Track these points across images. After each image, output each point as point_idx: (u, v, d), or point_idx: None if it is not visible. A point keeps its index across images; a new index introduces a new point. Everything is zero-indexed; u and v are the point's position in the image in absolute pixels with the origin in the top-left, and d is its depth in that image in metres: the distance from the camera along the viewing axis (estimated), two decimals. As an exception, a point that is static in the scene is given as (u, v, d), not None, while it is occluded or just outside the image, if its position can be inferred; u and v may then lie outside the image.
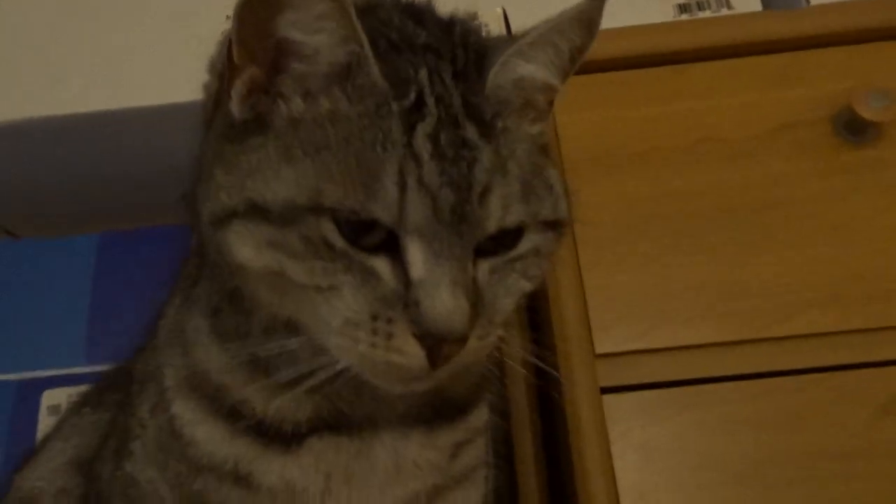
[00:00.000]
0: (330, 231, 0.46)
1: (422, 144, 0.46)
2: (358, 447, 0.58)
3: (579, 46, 0.52)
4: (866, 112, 0.75)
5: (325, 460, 0.57)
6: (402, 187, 0.45)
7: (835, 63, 0.82)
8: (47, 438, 0.78)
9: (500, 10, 0.88)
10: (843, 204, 0.77)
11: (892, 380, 0.71)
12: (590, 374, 0.72)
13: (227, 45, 0.48)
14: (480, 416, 0.64)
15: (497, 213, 0.48)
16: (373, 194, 0.45)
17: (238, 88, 0.49)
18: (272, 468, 0.57)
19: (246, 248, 0.47)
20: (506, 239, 0.50)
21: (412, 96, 0.47)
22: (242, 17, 0.46)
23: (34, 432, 0.89)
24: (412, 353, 0.46)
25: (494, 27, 0.87)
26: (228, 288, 0.52)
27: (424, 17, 0.53)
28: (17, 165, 0.95)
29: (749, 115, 0.81)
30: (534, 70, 0.52)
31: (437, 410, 0.60)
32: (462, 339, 0.46)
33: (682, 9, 0.98)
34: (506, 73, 0.51)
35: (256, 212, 0.46)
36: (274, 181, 0.46)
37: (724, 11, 0.97)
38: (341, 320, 0.46)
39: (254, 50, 0.48)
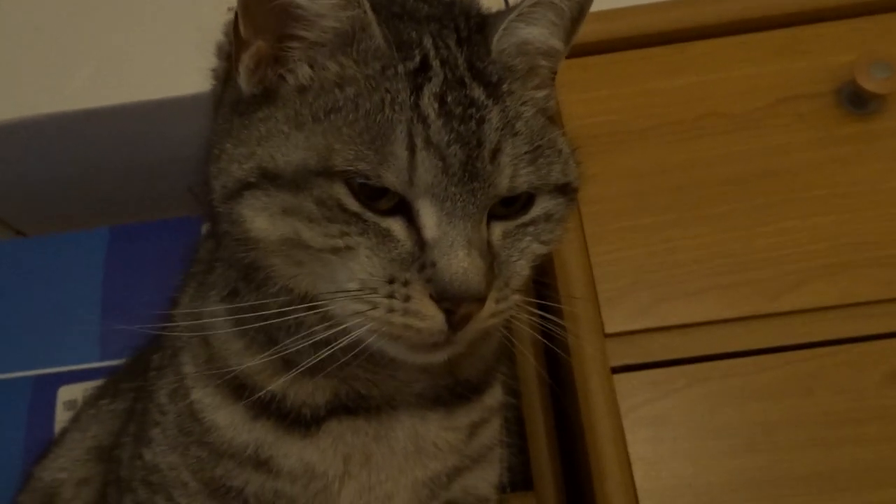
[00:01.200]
0: (343, 194, 0.46)
1: (428, 104, 0.46)
2: (376, 429, 0.58)
3: (581, 5, 0.53)
4: (869, 84, 0.75)
5: (344, 443, 0.58)
6: (412, 149, 0.45)
7: (837, 36, 0.82)
8: (65, 430, 0.78)
9: (500, -5, 0.87)
10: (846, 173, 0.77)
11: (899, 349, 0.71)
12: (600, 354, 0.72)
13: (234, 21, 0.49)
14: (495, 395, 0.65)
15: (508, 172, 0.48)
16: (383, 159, 0.45)
17: (245, 62, 0.50)
18: (291, 451, 0.57)
19: (259, 218, 0.47)
20: (517, 203, 0.50)
21: (417, 59, 0.48)
22: None
23: (51, 428, 0.89)
24: (431, 316, 0.46)
25: (496, 7, 0.86)
26: (245, 264, 0.52)
27: None
28: (25, 163, 0.95)
29: (751, 88, 0.81)
30: (537, 33, 0.53)
31: (454, 391, 0.61)
32: (480, 300, 0.46)
33: (682, -13, 0.98)
34: (509, 37, 0.52)
35: (268, 179, 0.47)
36: (285, 146, 0.47)
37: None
38: (358, 283, 0.46)
39: (259, 21, 0.49)
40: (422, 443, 0.59)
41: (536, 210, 0.51)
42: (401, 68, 0.48)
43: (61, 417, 0.89)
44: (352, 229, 0.46)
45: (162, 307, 0.66)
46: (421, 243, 0.47)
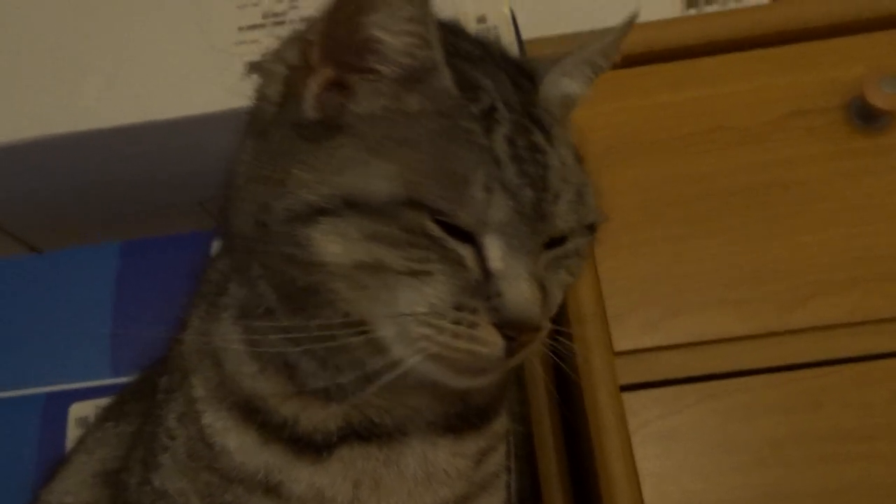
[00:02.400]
0: (428, 221, 0.47)
1: (501, 147, 0.49)
2: (387, 455, 0.58)
3: (612, 63, 0.59)
4: (878, 100, 0.75)
5: (355, 468, 0.57)
6: (488, 190, 0.48)
7: (845, 52, 0.82)
8: (71, 453, 0.78)
9: (507, 11, 0.88)
10: (857, 187, 0.77)
11: (911, 366, 0.71)
12: (609, 373, 0.72)
13: (302, 46, 0.50)
14: (502, 422, 0.65)
15: (563, 214, 0.51)
16: (461, 198, 0.47)
17: (312, 88, 0.51)
18: (302, 477, 0.57)
19: (333, 244, 0.48)
20: (557, 238, 0.53)
21: (484, 102, 0.50)
22: (333, 15, 0.49)
23: (63, 445, 0.90)
24: (493, 343, 0.48)
25: (503, 28, 0.87)
26: (299, 286, 0.51)
27: (464, 33, 0.57)
28: (35, 179, 0.96)
29: (761, 102, 0.81)
30: (576, 87, 0.58)
31: (464, 418, 0.61)
32: (538, 329, 0.49)
33: (690, 3, 0.99)
34: (553, 88, 0.56)
35: (350, 206, 0.47)
36: (367, 176, 0.48)
37: (732, 4, 0.98)
38: (427, 307, 0.48)
39: (334, 50, 0.50)
40: (432, 469, 0.59)
41: (570, 245, 0.53)
42: (472, 109, 0.50)
43: (73, 434, 0.89)
44: (432, 255, 0.47)
45: (170, 328, 0.66)
46: (486, 273, 0.48)
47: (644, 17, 0.87)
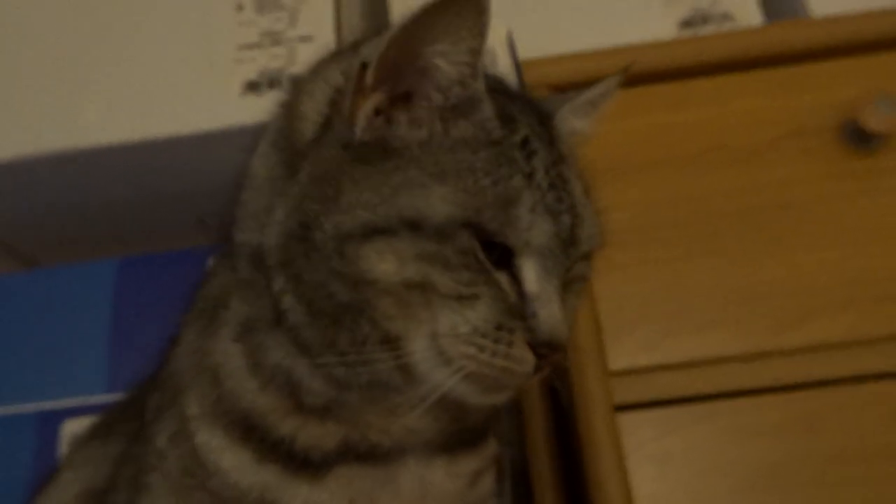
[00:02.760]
0: (477, 246, 0.50)
1: (540, 174, 0.53)
2: (384, 475, 0.58)
3: (609, 101, 0.64)
4: (872, 122, 0.76)
5: (351, 488, 0.57)
6: (533, 212, 0.51)
7: (839, 73, 0.82)
8: (57, 471, 0.77)
9: (504, 33, 0.89)
10: (852, 208, 0.77)
11: (906, 387, 0.71)
12: (604, 392, 0.72)
13: (359, 69, 0.52)
14: (492, 445, 0.65)
15: (586, 239, 0.55)
16: (510, 221, 0.51)
17: (367, 111, 0.52)
18: (298, 495, 0.57)
19: (385, 263, 0.50)
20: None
21: (522, 133, 0.54)
22: (395, 40, 0.50)
23: (56, 463, 0.89)
24: (527, 361, 0.51)
25: (500, 50, 0.88)
26: (339, 301, 0.52)
27: (485, 68, 0.58)
28: (35, 195, 0.96)
29: (756, 123, 0.81)
30: (583, 124, 0.62)
31: (459, 437, 0.61)
32: (565, 348, 0.52)
33: (686, 24, 1.00)
34: (564, 124, 0.60)
35: (408, 226, 0.50)
36: (428, 198, 0.50)
37: (727, 26, 0.98)
38: (470, 329, 0.50)
39: (392, 75, 0.52)
40: (428, 489, 0.59)
41: (577, 270, 0.56)
42: (514, 139, 0.53)
43: (66, 452, 0.88)
44: (479, 278, 0.50)
45: (162, 346, 0.66)
46: (521, 295, 0.51)
47: (640, 38, 0.89)
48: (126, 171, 0.92)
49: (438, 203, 0.50)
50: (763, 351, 0.73)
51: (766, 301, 0.75)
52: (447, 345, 0.51)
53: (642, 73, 0.84)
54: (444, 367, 0.51)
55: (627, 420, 0.72)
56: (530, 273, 0.51)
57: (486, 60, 0.87)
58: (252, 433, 0.57)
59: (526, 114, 0.57)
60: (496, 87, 0.57)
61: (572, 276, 0.56)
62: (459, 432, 0.61)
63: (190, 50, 0.92)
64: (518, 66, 0.86)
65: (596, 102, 0.63)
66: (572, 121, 0.61)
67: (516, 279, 0.51)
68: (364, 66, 0.51)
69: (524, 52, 0.88)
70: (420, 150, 0.52)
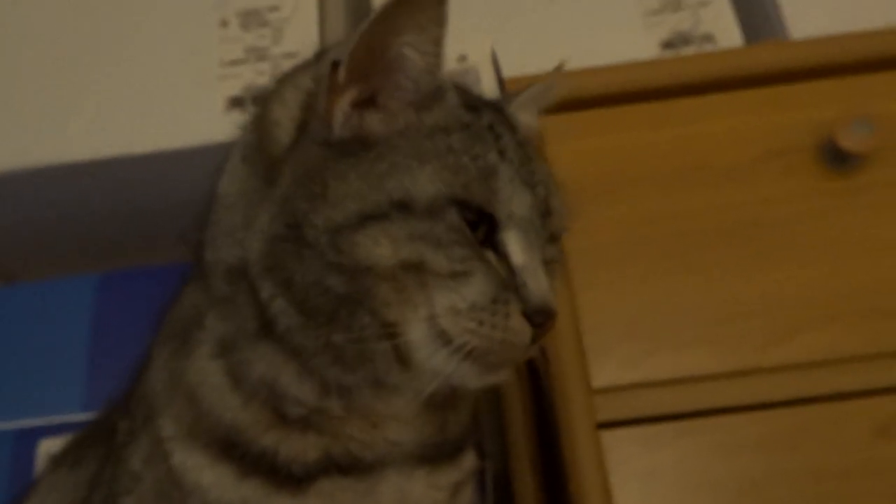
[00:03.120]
0: (463, 223, 0.52)
1: (511, 153, 0.56)
2: (365, 487, 0.58)
3: (552, 100, 0.69)
4: (849, 143, 0.77)
5: (333, 500, 0.57)
6: (512, 186, 0.54)
7: (819, 94, 0.83)
8: (24, 499, 0.76)
9: (488, 51, 0.90)
10: (831, 225, 0.78)
11: (888, 403, 0.71)
12: (587, 410, 0.72)
13: (331, 68, 0.54)
14: (472, 458, 0.65)
15: (559, 214, 0.58)
16: (493, 195, 0.53)
17: (343, 107, 0.54)
18: None
19: (380, 247, 0.51)
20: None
21: (486, 119, 0.57)
22: (365, 36, 0.53)
23: (31, 481, 0.87)
24: (524, 331, 0.53)
25: (484, 66, 0.88)
26: (336, 294, 0.53)
27: None
28: (15, 210, 0.95)
29: (736, 142, 0.82)
30: (530, 119, 0.66)
31: (440, 448, 0.61)
32: (555, 314, 0.54)
33: (667, 45, 1.01)
34: (516, 118, 0.63)
35: (398, 208, 0.51)
36: (415, 179, 0.52)
37: (708, 47, 1.00)
38: (468, 305, 0.52)
39: (364, 69, 0.54)
40: (408, 500, 0.59)
41: (548, 253, 0.58)
42: (482, 123, 0.56)
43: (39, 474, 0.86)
44: (471, 254, 0.52)
45: (131, 370, 0.66)
46: (509, 269, 0.53)
47: (622, 59, 0.90)
48: (109, 185, 0.91)
49: (425, 182, 0.52)
50: (746, 368, 0.73)
51: (748, 318, 0.75)
52: (447, 323, 0.52)
53: (624, 92, 0.85)
54: (444, 350, 0.52)
55: (611, 437, 0.72)
56: (515, 246, 0.54)
57: (471, 77, 0.88)
58: (233, 449, 0.57)
59: (486, 104, 0.61)
60: (457, 84, 0.61)
61: (547, 258, 0.57)
62: (440, 445, 0.61)
63: (174, 65, 0.92)
64: (502, 82, 0.87)
65: (538, 99, 0.67)
66: (520, 115, 0.65)
67: (501, 255, 0.54)
68: (335, 65, 0.54)
69: (508, 71, 0.89)
70: (399, 139, 0.54)
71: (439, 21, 0.53)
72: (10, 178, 0.88)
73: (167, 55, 0.93)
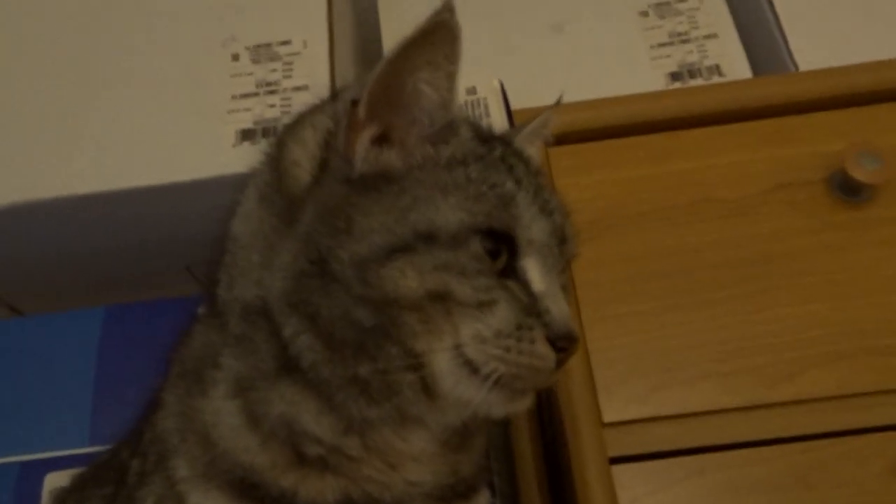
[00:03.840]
0: (485, 253, 0.53)
1: (526, 183, 0.57)
2: None
3: (549, 132, 0.71)
4: (859, 174, 0.76)
5: None
6: (529, 210, 0.55)
7: (827, 125, 0.84)
8: None
9: (497, 84, 0.90)
10: (840, 260, 0.77)
11: (899, 441, 0.70)
12: (598, 444, 0.71)
13: (350, 106, 0.55)
14: (485, 497, 0.65)
15: (572, 242, 0.60)
16: (514, 219, 0.55)
17: (364, 143, 0.55)
18: None
19: (406, 279, 0.52)
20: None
21: (498, 150, 0.58)
22: (383, 74, 0.54)
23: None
24: (549, 356, 0.54)
25: (492, 99, 0.89)
26: (363, 328, 0.53)
27: None
28: (21, 243, 0.95)
29: (744, 175, 0.82)
30: (531, 152, 0.66)
31: (455, 489, 0.61)
32: (577, 339, 0.55)
33: (675, 77, 1.01)
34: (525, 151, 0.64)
35: (423, 239, 0.52)
36: (438, 210, 0.53)
37: (716, 79, 1.00)
38: (494, 332, 0.53)
39: (382, 106, 0.55)
40: None
41: (561, 279, 0.59)
42: (495, 155, 0.58)
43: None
44: (494, 283, 0.53)
45: (140, 410, 0.65)
46: (531, 295, 0.54)
47: (630, 90, 0.90)
48: (115, 219, 0.91)
49: (449, 212, 0.53)
50: (755, 404, 0.72)
51: (757, 354, 0.74)
52: (473, 352, 0.52)
53: (632, 124, 0.86)
54: (471, 378, 0.53)
55: (622, 472, 0.71)
56: (535, 273, 0.55)
57: (479, 110, 0.88)
58: (251, 491, 0.56)
59: (495, 137, 0.62)
60: (468, 118, 0.62)
61: (561, 284, 0.58)
62: (454, 485, 0.61)
63: (184, 98, 0.93)
64: (510, 114, 0.88)
65: (539, 132, 0.69)
66: (526, 149, 0.66)
67: (522, 282, 0.55)
68: (355, 103, 0.55)
69: (516, 103, 0.89)
70: (419, 173, 0.55)
71: (453, 58, 0.54)
72: (17, 210, 0.88)
73: (177, 87, 0.94)
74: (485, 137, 0.60)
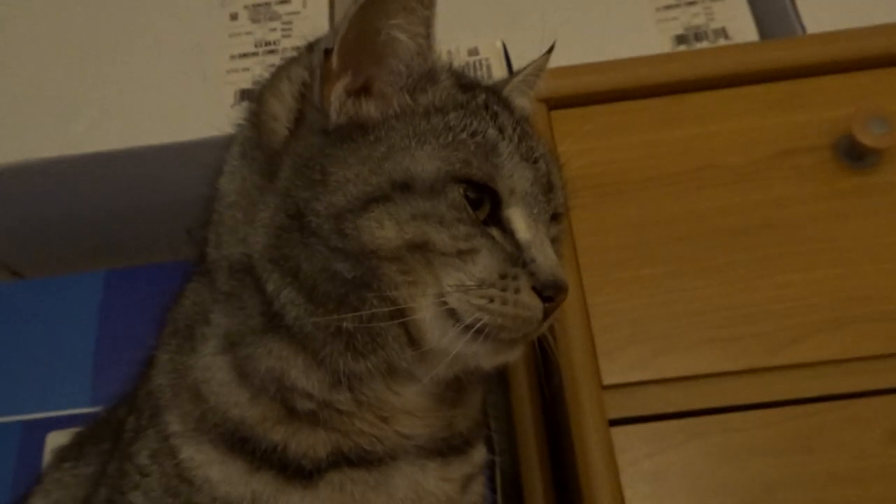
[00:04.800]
0: (465, 201, 0.52)
1: (510, 130, 0.56)
2: (377, 479, 0.58)
3: (538, 80, 0.69)
4: (867, 139, 0.76)
5: (344, 493, 0.57)
6: (513, 162, 0.54)
7: (834, 90, 0.82)
8: (29, 494, 0.76)
9: (499, 44, 0.89)
10: (846, 226, 0.77)
11: (901, 406, 0.70)
12: (597, 406, 0.71)
13: (322, 58, 0.54)
14: (481, 452, 0.65)
15: (560, 191, 0.59)
16: (495, 170, 0.54)
17: (338, 94, 0.54)
18: (290, 502, 0.56)
19: (384, 229, 0.51)
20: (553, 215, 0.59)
21: (481, 98, 0.57)
22: (355, 21, 0.53)
23: (39, 474, 0.87)
24: (535, 306, 0.53)
25: (495, 60, 0.88)
26: (344, 279, 0.53)
27: None
28: (23, 205, 0.95)
29: (750, 141, 0.81)
30: (522, 103, 0.66)
31: (450, 443, 0.61)
32: (566, 288, 0.54)
33: (680, 40, 1.00)
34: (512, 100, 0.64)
35: (400, 189, 0.52)
36: (415, 159, 0.52)
37: (722, 42, 0.99)
38: (476, 282, 0.52)
39: (355, 55, 0.54)
40: (421, 492, 0.59)
41: (552, 231, 0.59)
42: (478, 101, 0.56)
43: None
44: (475, 231, 0.52)
45: (137, 367, 0.65)
46: (516, 245, 0.54)
47: (635, 53, 0.89)
48: (117, 180, 0.91)
49: (425, 160, 0.52)
50: (757, 367, 0.72)
51: (759, 319, 0.74)
52: (456, 301, 0.52)
53: (636, 87, 0.84)
54: (455, 327, 0.53)
55: (621, 434, 0.71)
56: (520, 221, 0.54)
57: (482, 71, 0.87)
58: (243, 444, 0.57)
59: (480, 86, 0.60)
60: (450, 66, 0.61)
61: (551, 236, 0.58)
62: (449, 439, 0.61)
63: (184, 59, 0.92)
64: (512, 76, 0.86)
65: (530, 82, 0.68)
66: (515, 99, 0.65)
67: (507, 232, 0.54)
68: (328, 53, 0.54)
69: (518, 65, 0.88)
70: (396, 122, 0.54)
71: (429, 2, 0.53)
72: (18, 170, 0.88)
73: (177, 48, 0.93)
74: (467, 85, 0.59)
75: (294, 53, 0.61)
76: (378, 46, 0.54)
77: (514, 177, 0.54)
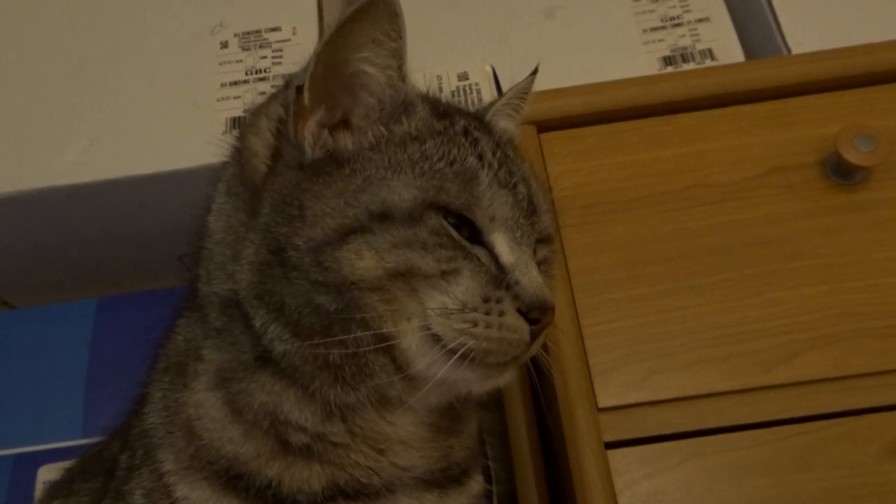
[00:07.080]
0: (447, 225, 0.53)
1: (489, 156, 0.56)
2: None
3: (524, 103, 0.69)
4: (853, 156, 0.76)
5: None
6: (491, 187, 0.54)
7: (820, 108, 0.83)
8: None
9: (489, 69, 0.89)
10: (835, 243, 0.77)
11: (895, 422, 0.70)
12: (594, 429, 0.71)
13: (295, 94, 0.54)
14: (479, 482, 0.65)
15: (544, 213, 0.59)
16: (473, 198, 0.54)
17: (311, 129, 0.55)
18: None
19: (364, 260, 0.51)
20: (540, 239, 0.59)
21: (460, 124, 0.57)
22: (322, 57, 0.53)
23: (30, 509, 0.87)
24: (521, 328, 0.53)
25: (484, 85, 0.88)
26: (327, 312, 0.53)
27: None
28: (13, 235, 0.95)
29: (738, 159, 0.82)
30: (508, 124, 0.66)
31: (447, 474, 0.61)
32: (553, 309, 0.54)
33: (668, 61, 1.01)
34: (495, 124, 0.64)
35: (378, 219, 0.52)
36: (391, 189, 0.52)
37: (708, 63, 1.00)
38: (459, 305, 0.52)
39: (326, 90, 0.54)
40: None
41: (542, 252, 0.60)
42: (455, 129, 0.56)
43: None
44: (457, 254, 0.52)
45: (129, 403, 0.65)
46: (500, 268, 0.54)
47: (622, 75, 0.90)
48: (108, 209, 0.91)
49: (402, 190, 0.52)
50: (752, 387, 0.72)
51: (752, 338, 0.74)
52: (440, 326, 0.52)
53: (624, 108, 0.85)
54: (441, 355, 0.52)
55: (618, 457, 0.71)
56: (503, 245, 0.55)
57: (472, 95, 0.88)
58: (237, 481, 0.56)
59: (459, 112, 0.61)
60: (427, 95, 0.62)
61: (539, 259, 0.58)
62: (446, 469, 0.61)
63: (174, 87, 0.92)
64: (502, 101, 0.87)
65: (514, 104, 0.68)
66: (499, 122, 0.66)
67: (492, 254, 0.54)
68: (299, 89, 0.54)
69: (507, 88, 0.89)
70: (371, 153, 0.54)
71: (396, 34, 0.54)
72: (8, 201, 0.88)
73: (167, 77, 0.93)
74: (444, 112, 0.59)
75: (274, 88, 0.63)
76: (348, 80, 0.54)
77: (494, 204, 0.55)
